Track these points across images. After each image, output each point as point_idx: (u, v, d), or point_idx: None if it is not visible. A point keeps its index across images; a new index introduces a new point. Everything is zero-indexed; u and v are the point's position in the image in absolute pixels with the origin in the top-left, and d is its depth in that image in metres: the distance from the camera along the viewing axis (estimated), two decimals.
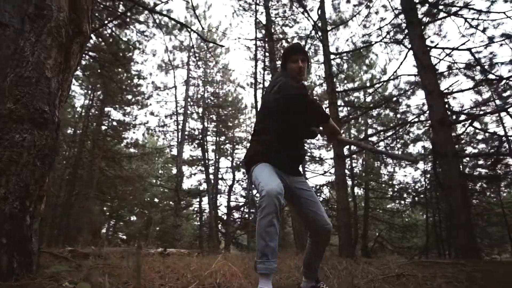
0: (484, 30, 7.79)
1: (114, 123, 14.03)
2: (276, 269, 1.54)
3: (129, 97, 13.57)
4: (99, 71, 10.14)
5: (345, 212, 7.11)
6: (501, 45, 7.80)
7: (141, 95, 13.92)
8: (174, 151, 18.25)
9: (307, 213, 1.78)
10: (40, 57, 2.01)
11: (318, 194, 13.08)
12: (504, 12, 7.26)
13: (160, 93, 16.02)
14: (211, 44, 15.22)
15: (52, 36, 2.08)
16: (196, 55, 15.73)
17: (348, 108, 10.17)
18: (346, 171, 9.37)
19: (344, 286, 2.05)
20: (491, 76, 7.90)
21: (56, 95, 2.07)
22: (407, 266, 3.83)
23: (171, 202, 20.54)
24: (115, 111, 14.12)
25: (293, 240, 11.01)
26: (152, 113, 16.86)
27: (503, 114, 9.09)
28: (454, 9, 7.99)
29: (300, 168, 2.03)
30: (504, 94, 8.83)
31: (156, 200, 22.67)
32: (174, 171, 22.95)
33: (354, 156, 12.99)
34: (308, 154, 14.55)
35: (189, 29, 7.73)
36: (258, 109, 9.33)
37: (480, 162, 9.98)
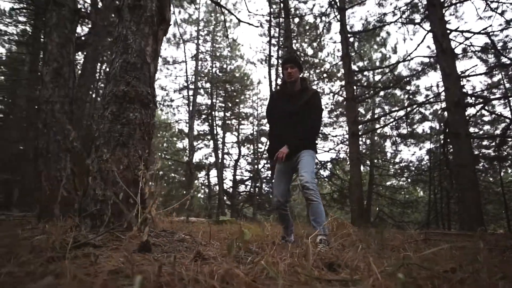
0: (502, 13, 7.91)
1: None
2: (291, 240, 2.51)
3: None
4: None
5: (358, 187, 7.58)
6: None
7: None
8: (181, 125, 18.53)
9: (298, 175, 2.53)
10: (141, 45, 2.27)
11: (323, 170, 13.60)
12: None
13: (169, 67, 15.99)
14: (221, 17, 15.02)
15: (148, 25, 2.33)
16: (205, 29, 15.56)
17: (359, 88, 10.41)
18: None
19: (380, 248, 2.37)
20: (504, 60, 8.12)
21: (153, 78, 2.36)
22: (422, 235, 4.27)
23: (174, 175, 21.11)
24: None
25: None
26: (161, 88, 16.88)
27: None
28: None
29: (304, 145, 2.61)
30: None
31: (161, 172, 23.21)
32: (180, 145, 23.37)
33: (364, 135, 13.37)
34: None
35: None
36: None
37: (485, 143, 10.44)
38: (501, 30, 7.98)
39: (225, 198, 19.14)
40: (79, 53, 7.34)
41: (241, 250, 1.50)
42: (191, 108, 15.28)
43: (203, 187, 20.16)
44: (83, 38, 6.28)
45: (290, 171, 2.72)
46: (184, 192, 15.59)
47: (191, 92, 15.93)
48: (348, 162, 12.49)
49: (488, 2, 7.77)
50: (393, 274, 1.18)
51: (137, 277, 0.42)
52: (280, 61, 12.11)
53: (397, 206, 13.42)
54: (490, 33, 7.59)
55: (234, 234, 2.63)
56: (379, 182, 13.90)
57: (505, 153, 8.59)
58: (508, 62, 7.93)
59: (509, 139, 8.01)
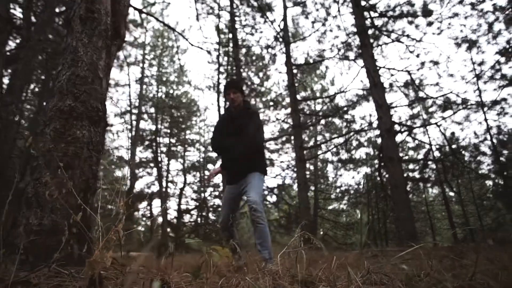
0: (418, 56, 9.33)
1: None
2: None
3: None
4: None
5: (306, 210, 7.80)
6: (430, 68, 9.42)
7: None
8: (121, 152, 17.34)
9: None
10: (93, 58, 2.11)
11: (270, 196, 13.79)
12: (433, 43, 8.85)
13: (110, 89, 15.10)
14: (169, 43, 14.96)
15: (102, 38, 2.19)
16: (152, 53, 15.28)
17: (303, 116, 11.08)
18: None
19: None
20: (421, 95, 9.47)
21: (105, 95, 2.18)
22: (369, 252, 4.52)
23: (111, 207, 19.30)
24: None
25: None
26: None
27: (429, 126, 10.89)
28: (394, 36, 9.41)
29: (251, 167, 2.66)
30: (430, 110, 10.63)
31: (97, 204, 21.03)
32: (118, 173, 21.65)
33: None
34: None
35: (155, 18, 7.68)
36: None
37: (410, 166, 11.76)
38: (418, 69, 9.39)
39: (168, 230, 17.97)
40: (7, 69, 6.50)
41: (208, 274, 1.39)
42: (133, 134, 14.46)
43: (144, 218, 18.72)
44: (11, 52, 5.63)
45: (237, 196, 2.69)
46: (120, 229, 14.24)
47: (134, 117, 15.16)
48: (295, 187, 12.87)
49: (407, 45, 9.13)
50: (368, 280, 1.19)
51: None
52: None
53: (339, 229, 14.08)
54: (410, 72, 8.85)
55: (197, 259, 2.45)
56: (323, 206, 14.53)
57: (427, 175, 9.76)
58: (425, 96, 9.25)
59: (429, 162, 9.14)
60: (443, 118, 8.69)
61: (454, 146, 9.72)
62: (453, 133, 10.31)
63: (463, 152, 10.23)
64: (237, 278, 1.21)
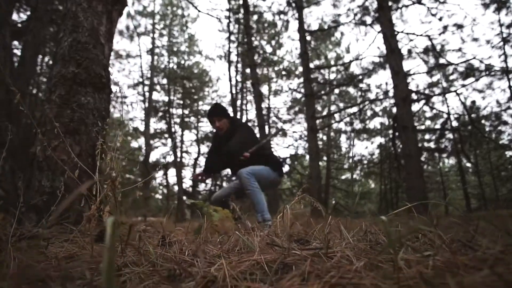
0: (440, 19, 8.73)
1: None
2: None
3: None
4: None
5: (317, 180, 7.85)
6: (453, 33, 8.85)
7: None
8: (136, 123, 17.68)
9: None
10: (94, 23, 2.09)
11: (282, 166, 13.91)
12: (458, 4, 8.22)
13: (122, 61, 15.12)
14: (178, 11, 14.59)
15: (102, 3, 2.15)
16: (161, 22, 14.98)
17: (316, 85, 10.80)
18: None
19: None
20: (442, 61, 8.98)
21: (108, 61, 2.19)
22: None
23: (130, 176, 20.11)
24: None
25: None
26: (114, 83, 15.86)
27: (448, 95, 10.44)
28: None
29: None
30: (451, 77, 10.13)
31: (114, 174, 21.87)
32: (135, 144, 22.27)
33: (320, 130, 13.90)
34: (275, 127, 15.21)
35: None
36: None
37: (426, 137, 11.47)
38: (440, 34, 8.83)
39: (184, 198, 18.66)
40: (17, 42, 6.55)
41: (209, 233, 1.45)
42: (147, 105, 14.62)
43: (161, 187, 19.42)
44: (20, 25, 5.62)
45: (241, 188, 2.77)
46: (141, 193, 14.88)
47: (146, 88, 15.23)
48: (306, 158, 12.91)
49: (428, 8, 8.53)
50: (363, 238, 1.22)
51: (108, 219, 0.36)
52: (239, 58, 12.12)
53: (351, 198, 14.21)
54: (431, 36, 8.34)
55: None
56: (335, 176, 14.59)
57: (443, 145, 9.51)
58: (446, 63, 8.78)
59: (447, 132, 8.88)
60: (464, 86, 8.27)
61: (473, 116, 9.35)
62: (473, 102, 9.87)
63: (483, 121, 9.85)
64: (234, 235, 1.25)
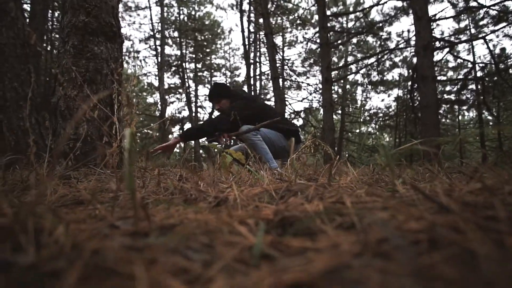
0: None
1: None
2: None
3: None
4: None
5: (330, 132, 7.86)
6: None
7: None
8: (150, 79, 17.65)
9: None
10: None
11: (296, 119, 13.87)
12: None
13: (131, 14, 14.64)
14: None
15: None
16: None
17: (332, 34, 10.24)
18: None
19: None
20: (473, 4, 8.21)
21: (117, 9, 2.15)
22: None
23: (148, 131, 20.66)
24: None
25: None
26: (125, 37, 15.57)
27: (475, 42, 9.74)
28: None
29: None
30: (480, 23, 9.34)
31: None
32: (150, 99, 22.50)
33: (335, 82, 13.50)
34: (289, 79, 14.87)
35: None
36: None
37: (447, 88, 10.97)
38: None
39: (201, 151, 19.24)
40: None
41: (223, 174, 1.55)
42: (159, 60, 14.43)
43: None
44: None
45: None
46: (157, 134, 15.41)
47: (158, 42, 14.90)
48: (321, 111, 12.76)
49: None
50: (372, 178, 1.29)
51: (126, 130, 0.42)
52: (252, 7, 11.48)
53: (365, 151, 14.24)
54: None
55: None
56: (350, 129, 14.49)
57: (464, 97, 9.13)
58: (476, 5, 8.03)
59: (470, 82, 8.45)
60: (493, 31, 7.63)
61: (501, 65, 8.77)
62: (503, 49, 9.19)
63: (511, 71, 9.26)
64: (246, 174, 1.34)
